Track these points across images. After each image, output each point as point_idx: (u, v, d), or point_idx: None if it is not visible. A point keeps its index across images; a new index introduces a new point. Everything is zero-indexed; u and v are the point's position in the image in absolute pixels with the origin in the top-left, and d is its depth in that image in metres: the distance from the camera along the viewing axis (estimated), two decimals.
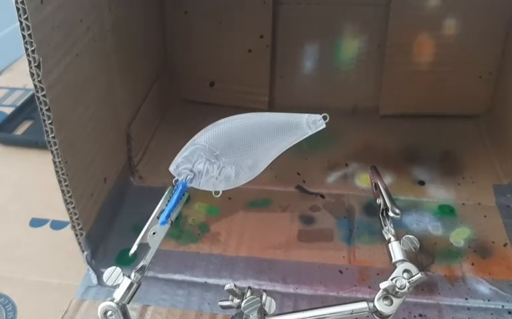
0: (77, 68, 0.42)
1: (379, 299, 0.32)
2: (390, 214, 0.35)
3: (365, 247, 0.49)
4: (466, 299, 0.44)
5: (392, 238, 0.35)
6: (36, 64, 0.36)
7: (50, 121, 0.38)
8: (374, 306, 0.32)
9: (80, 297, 0.45)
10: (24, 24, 0.34)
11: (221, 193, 0.34)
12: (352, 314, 0.33)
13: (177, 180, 0.34)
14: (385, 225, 0.36)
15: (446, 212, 0.52)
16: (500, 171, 0.57)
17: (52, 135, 0.39)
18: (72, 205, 0.43)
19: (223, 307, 0.35)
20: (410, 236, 0.34)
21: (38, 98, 0.37)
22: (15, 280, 0.48)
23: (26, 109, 0.73)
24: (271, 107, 0.68)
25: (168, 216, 0.34)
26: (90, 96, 0.45)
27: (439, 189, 0.55)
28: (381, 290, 0.32)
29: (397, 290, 0.32)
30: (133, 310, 0.43)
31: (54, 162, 0.40)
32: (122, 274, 0.33)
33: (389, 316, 0.32)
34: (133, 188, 0.57)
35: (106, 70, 0.49)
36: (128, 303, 0.33)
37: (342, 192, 0.55)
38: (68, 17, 0.40)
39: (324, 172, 0.58)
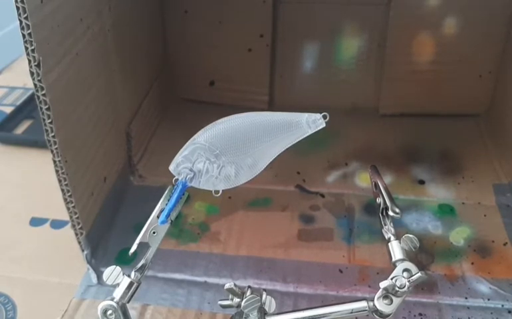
0: (77, 67, 0.42)
1: (379, 298, 0.32)
2: (390, 213, 0.35)
3: (365, 246, 0.49)
4: (466, 298, 0.44)
5: (392, 238, 0.35)
6: (36, 63, 0.36)
7: (50, 121, 0.38)
8: (374, 305, 0.32)
9: (79, 296, 0.45)
10: (24, 24, 0.34)
11: (221, 192, 0.34)
12: (351, 313, 0.33)
13: (177, 179, 0.34)
14: (385, 224, 0.36)
15: (446, 211, 0.52)
16: (500, 171, 0.57)
17: (52, 134, 0.39)
18: (72, 204, 0.43)
19: (223, 306, 0.35)
20: (410, 235, 0.34)
21: (38, 97, 0.37)
22: (15, 280, 0.48)
23: (26, 108, 0.73)
24: (271, 107, 0.69)
25: (168, 215, 0.34)
26: (89, 95, 0.45)
27: (439, 188, 0.55)
28: (381, 289, 0.32)
29: (397, 289, 0.32)
30: (133, 309, 0.43)
31: (54, 161, 0.40)
32: (121, 273, 0.33)
33: (389, 315, 0.32)
34: (133, 187, 0.57)
35: (106, 69, 0.49)
36: (128, 302, 0.33)
37: (342, 191, 0.55)
38: (68, 16, 0.40)
39: (324, 171, 0.58)
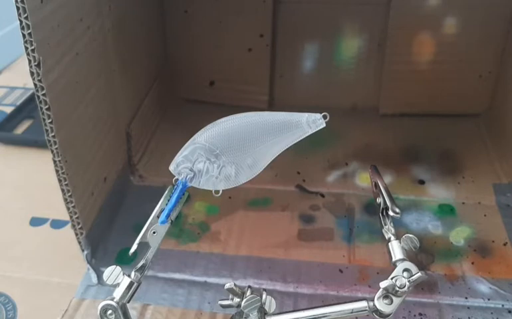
0: (77, 67, 0.42)
1: (379, 298, 0.32)
2: (390, 213, 0.35)
3: (365, 246, 0.49)
4: (466, 298, 0.44)
5: (392, 238, 0.35)
6: (36, 63, 0.36)
7: (50, 121, 0.38)
8: (374, 305, 0.32)
9: (80, 296, 0.45)
10: (24, 23, 0.34)
11: (221, 192, 0.34)
12: (352, 313, 0.33)
13: (177, 179, 0.34)
14: (385, 224, 0.36)
15: (446, 211, 0.52)
16: (500, 170, 0.57)
17: (52, 134, 0.39)
18: (72, 204, 0.43)
19: (223, 306, 0.35)
20: (410, 235, 0.34)
21: (38, 97, 0.37)
22: (15, 279, 0.48)
23: (26, 108, 0.73)
24: (271, 107, 0.68)
25: (168, 215, 0.34)
26: (89, 95, 0.45)
27: (439, 188, 0.55)
28: (381, 289, 0.32)
29: (397, 289, 0.32)
30: (133, 309, 0.43)
31: (54, 161, 0.40)
32: (122, 273, 0.33)
33: (389, 315, 0.32)
34: (133, 187, 0.57)
35: (106, 69, 0.49)
36: (128, 302, 0.33)
37: (342, 191, 0.55)
38: (68, 16, 0.40)
39: (324, 171, 0.58)
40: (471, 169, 0.58)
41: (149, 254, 0.34)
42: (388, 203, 0.36)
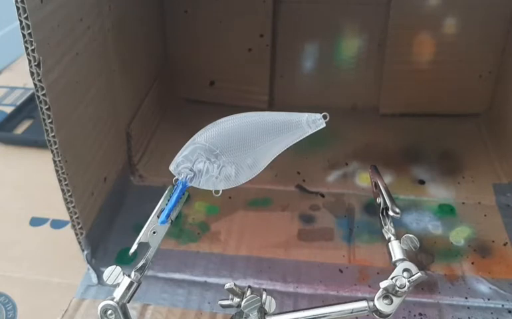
0: (77, 67, 0.42)
1: (379, 298, 0.32)
2: (390, 213, 0.35)
3: (365, 246, 0.49)
4: (466, 298, 0.44)
5: (392, 238, 0.35)
6: (36, 63, 0.36)
7: (50, 121, 0.38)
8: (374, 305, 0.32)
9: (80, 296, 0.45)
10: (24, 23, 0.34)
11: (221, 192, 0.34)
12: (352, 313, 0.33)
13: (177, 179, 0.34)
14: (385, 224, 0.36)
15: (446, 211, 0.52)
16: (500, 170, 0.57)
17: (52, 134, 0.39)
18: (72, 204, 0.43)
19: (223, 306, 0.35)
20: (410, 235, 0.34)
21: (38, 97, 0.37)
22: (15, 279, 0.48)
23: (26, 108, 0.73)
24: (271, 107, 0.69)
25: (168, 215, 0.34)
26: (90, 95, 0.45)
27: (439, 188, 0.55)
28: (381, 289, 0.32)
29: (397, 289, 0.32)
30: (133, 309, 0.43)
31: (54, 161, 0.40)
32: (122, 273, 0.33)
33: (389, 315, 0.32)
34: (134, 187, 0.57)
35: (106, 69, 0.49)
36: (128, 302, 0.33)
37: (342, 191, 0.55)
38: (68, 16, 0.40)
39: (324, 171, 0.58)
40: (471, 169, 0.58)
41: (149, 254, 0.34)
42: (388, 203, 0.36)
